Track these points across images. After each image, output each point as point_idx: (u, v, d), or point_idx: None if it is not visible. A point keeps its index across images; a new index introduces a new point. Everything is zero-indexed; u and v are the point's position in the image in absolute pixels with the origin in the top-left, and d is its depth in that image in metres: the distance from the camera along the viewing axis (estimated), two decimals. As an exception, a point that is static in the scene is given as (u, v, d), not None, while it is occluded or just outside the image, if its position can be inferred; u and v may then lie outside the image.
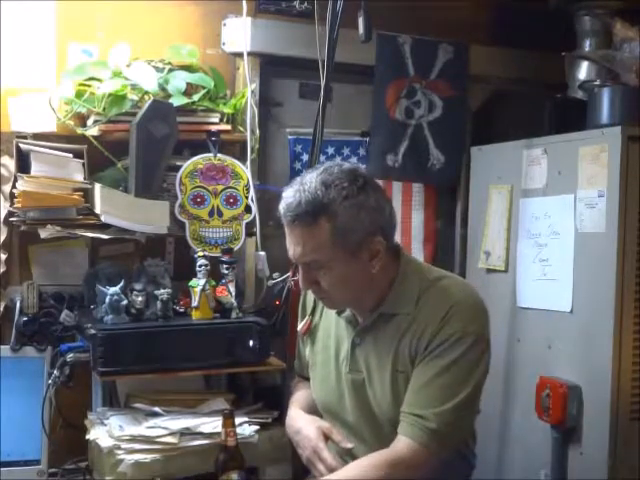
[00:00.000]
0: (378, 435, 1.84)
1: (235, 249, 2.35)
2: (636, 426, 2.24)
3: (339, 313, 1.91)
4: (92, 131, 2.26)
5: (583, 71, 2.69)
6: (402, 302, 1.82)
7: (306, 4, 2.62)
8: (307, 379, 2.07)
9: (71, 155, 2.23)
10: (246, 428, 2.03)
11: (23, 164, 2.20)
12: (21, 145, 2.21)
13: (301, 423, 1.91)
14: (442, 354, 1.74)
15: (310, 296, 2.01)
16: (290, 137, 2.68)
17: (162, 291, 2.13)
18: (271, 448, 2.07)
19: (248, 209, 2.40)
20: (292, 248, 1.78)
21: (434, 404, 1.72)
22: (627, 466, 2.22)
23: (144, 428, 1.97)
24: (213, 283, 2.17)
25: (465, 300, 1.80)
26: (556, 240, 2.41)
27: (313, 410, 1.98)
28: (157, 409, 2.05)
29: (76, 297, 2.30)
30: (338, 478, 1.73)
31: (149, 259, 2.26)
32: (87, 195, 2.22)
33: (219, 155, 2.38)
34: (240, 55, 2.52)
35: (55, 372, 2.11)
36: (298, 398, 2.04)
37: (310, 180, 1.74)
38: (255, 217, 2.42)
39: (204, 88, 2.37)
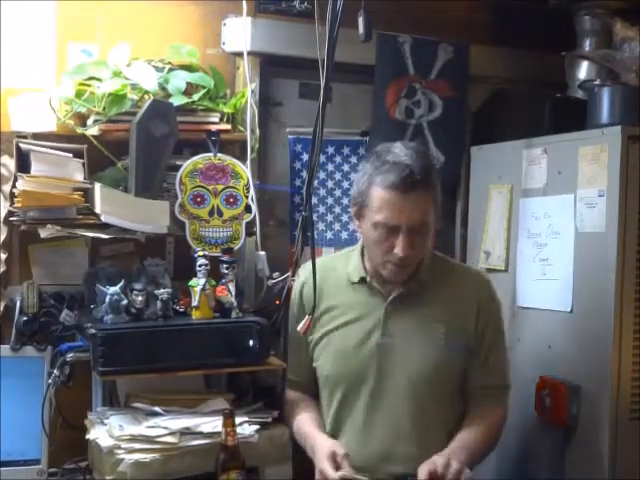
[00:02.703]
0: (397, 398, 2.03)
1: (235, 249, 2.35)
2: (636, 426, 2.24)
3: (370, 286, 2.10)
4: (92, 131, 2.26)
5: (583, 71, 2.69)
6: (433, 273, 2.11)
7: (306, 4, 2.62)
8: (305, 387, 2.16)
9: (71, 155, 2.22)
10: (246, 428, 2.03)
11: (23, 164, 2.20)
12: (21, 145, 2.21)
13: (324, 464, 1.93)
14: (495, 332, 2.14)
15: (309, 293, 2.08)
16: (290, 137, 2.68)
17: (162, 291, 2.12)
18: (271, 448, 2.07)
19: (248, 209, 2.40)
20: (406, 215, 1.95)
21: (503, 372, 2.17)
22: (627, 466, 2.23)
23: (144, 428, 1.97)
24: (213, 283, 2.17)
25: (486, 277, 2.24)
26: (556, 240, 2.41)
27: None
28: (157, 409, 2.05)
29: (76, 297, 2.30)
30: (472, 439, 2.03)
31: (149, 259, 2.25)
32: (87, 195, 2.22)
33: (219, 155, 2.38)
34: (240, 55, 2.52)
35: (55, 372, 2.11)
36: (313, 423, 2.11)
37: (410, 153, 1.97)
38: (255, 217, 2.42)
39: (204, 88, 2.37)
